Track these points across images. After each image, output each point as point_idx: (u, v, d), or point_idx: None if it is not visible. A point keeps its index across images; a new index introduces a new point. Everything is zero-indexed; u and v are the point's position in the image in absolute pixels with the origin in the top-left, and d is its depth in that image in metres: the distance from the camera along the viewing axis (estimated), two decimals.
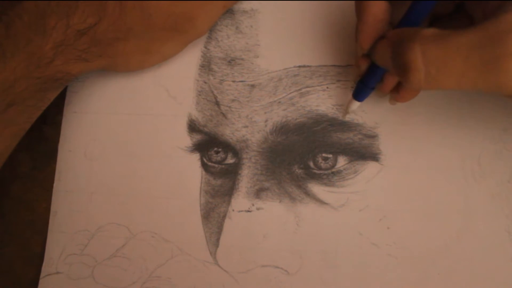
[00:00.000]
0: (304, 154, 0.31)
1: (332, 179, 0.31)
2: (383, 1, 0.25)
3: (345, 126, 0.31)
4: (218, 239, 0.31)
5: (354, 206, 0.31)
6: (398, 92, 0.28)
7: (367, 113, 0.31)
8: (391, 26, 0.26)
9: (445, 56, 0.21)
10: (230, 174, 0.32)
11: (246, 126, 0.32)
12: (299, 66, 0.33)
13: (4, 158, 0.30)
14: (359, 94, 0.29)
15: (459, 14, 0.27)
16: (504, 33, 0.20)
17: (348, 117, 0.31)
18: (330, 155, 0.31)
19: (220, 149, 0.32)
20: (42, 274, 0.32)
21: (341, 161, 0.31)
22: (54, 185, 0.34)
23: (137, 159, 0.33)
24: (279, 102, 0.32)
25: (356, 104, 0.30)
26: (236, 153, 0.32)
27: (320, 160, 0.31)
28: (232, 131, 0.32)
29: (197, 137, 0.33)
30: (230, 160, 0.32)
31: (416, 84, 0.22)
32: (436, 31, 0.22)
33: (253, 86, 0.33)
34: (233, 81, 0.33)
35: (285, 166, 0.32)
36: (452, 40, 0.21)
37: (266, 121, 0.32)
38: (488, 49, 0.20)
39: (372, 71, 0.28)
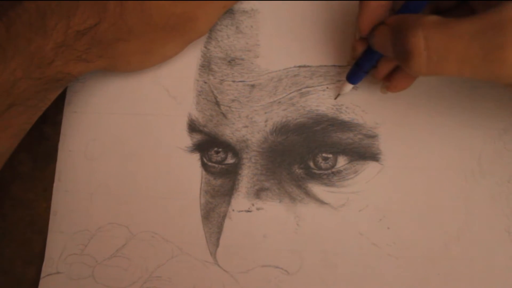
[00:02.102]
0: (304, 154, 0.32)
1: (332, 179, 0.31)
2: None
3: (345, 126, 0.31)
4: (218, 239, 0.31)
5: (354, 206, 0.31)
6: (391, 81, 0.29)
7: (367, 113, 0.31)
8: (392, 12, 0.26)
9: (447, 43, 0.21)
10: (230, 174, 0.32)
11: (246, 126, 0.32)
12: (299, 66, 0.33)
13: (5, 159, 0.30)
14: (353, 76, 0.29)
15: (461, 9, 0.27)
16: (506, 22, 0.20)
17: (348, 117, 0.31)
18: (330, 155, 0.31)
19: (220, 149, 0.32)
20: (42, 274, 0.32)
21: (341, 161, 0.31)
22: (54, 185, 0.34)
23: (137, 159, 0.33)
24: (279, 102, 0.32)
25: (349, 87, 0.30)
26: (236, 153, 0.32)
27: (320, 160, 0.31)
28: (232, 131, 0.32)
29: (197, 137, 0.33)
30: (230, 160, 0.32)
31: (417, 70, 0.22)
32: (438, 18, 0.22)
33: (253, 86, 0.33)
34: (233, 81, 0.33)
35: (285, 166, 0.32)
36: (454, 27, 0.21)
37: (266, 121, 0.32)
38: (490, 37, 0.20)
39: (368, 55, 0.28)
